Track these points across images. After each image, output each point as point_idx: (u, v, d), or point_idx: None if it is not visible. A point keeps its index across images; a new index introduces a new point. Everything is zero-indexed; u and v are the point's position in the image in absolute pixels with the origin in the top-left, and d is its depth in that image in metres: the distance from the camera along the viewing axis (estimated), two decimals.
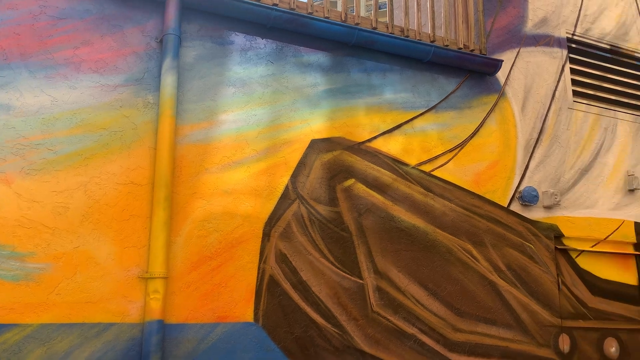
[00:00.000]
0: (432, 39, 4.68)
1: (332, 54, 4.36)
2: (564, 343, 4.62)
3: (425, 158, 4.50)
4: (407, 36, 4.57)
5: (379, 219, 4.20)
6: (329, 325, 3.81)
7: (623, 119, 5.55)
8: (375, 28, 4.45)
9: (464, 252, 4.42)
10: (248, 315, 3.61)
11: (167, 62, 3.66)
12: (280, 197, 3.87)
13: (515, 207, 4.75)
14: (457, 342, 4.19)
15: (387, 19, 4.57)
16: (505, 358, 4.32)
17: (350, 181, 4.17)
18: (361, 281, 4.01)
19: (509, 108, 4.99)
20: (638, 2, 6.01)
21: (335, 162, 4.15)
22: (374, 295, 4.03)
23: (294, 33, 4.21)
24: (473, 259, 4.44)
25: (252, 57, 4.05)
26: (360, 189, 4.19)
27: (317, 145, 4.10)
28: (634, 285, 5.12)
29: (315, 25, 4.17)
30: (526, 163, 4.92)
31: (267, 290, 3.68)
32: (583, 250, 4.97)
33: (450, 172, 4.57)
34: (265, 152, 3.90)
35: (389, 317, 4.02)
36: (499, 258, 4.54)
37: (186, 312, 3.46)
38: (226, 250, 3.63)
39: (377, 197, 4.23)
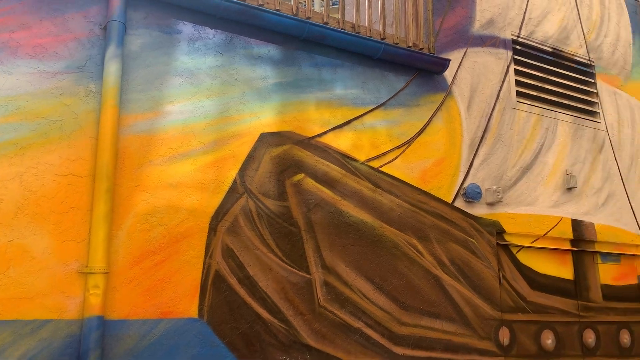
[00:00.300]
0: (382, 37, 4.72)
1: (283, 47, 4.32)
2: (504, 336, 4.78)
3: (374, 154, 4.54)
4: (358, 32, 4.59)
5: (328, 214, 4.21)
6: (275, 321, 3.79)
7: (563, 119, 5.78)
8: (326, 23, 4.45)
9: (409, 247, 4.49)
10: (192, 311, 3.55)
11: (111, 50, 3.54)
12: (228, 191, 3.81)
13: (460, 203, 4.87)
14: (402, 336, 4.26)
15: (338, 15, 4.57)
16: (448, 351, 4.42)
17: (300, 176, 4.16)
18: (309, 276, 4.01)
19: (456, 107, 5.09)
20: (579, 8, 6.26)
21: (285, 156, 4.12)
22: (321, 290, 4.04)
23: (244, 24, 4.15)
24: (418, 254, 4.52)
25: (201, 47, 3.97)
26: (310, 183, 4.19)
27: (266, 139, 4.06)
28: (570, 280, 5.35)
29: (265, 18, 4.13)
30: (471, 161, 5.04)
31: (213, 286, 3.63)
32: (523, 246, 5.15)
33: (398, 169, 4.63)
34: (212, 145, 3.83)
35: (335, 312, 4.04)
36: (443, 253, 4.64)
37: (128, 308, 3.36)
38: (170, 245, 3.55)
39: (326, 192, 4.24)
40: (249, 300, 3.72)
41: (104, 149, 3.37)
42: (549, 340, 5.04)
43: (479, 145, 5.14)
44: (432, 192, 4.75)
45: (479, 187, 4.94)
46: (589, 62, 6.18)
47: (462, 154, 5.02)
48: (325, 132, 4.35)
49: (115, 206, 3.40)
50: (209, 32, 4.03)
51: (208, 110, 3.88)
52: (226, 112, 3.94)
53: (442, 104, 4.99)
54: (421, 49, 4.90)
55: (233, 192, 3.83)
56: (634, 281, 5.77)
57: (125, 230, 3.44)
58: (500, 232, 5.02)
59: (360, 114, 4.55)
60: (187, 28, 3.96)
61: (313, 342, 3.90)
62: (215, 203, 3.75)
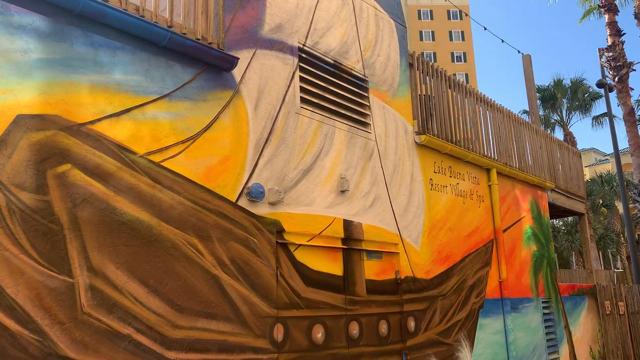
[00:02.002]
0: (169, 24, 4.48)
1: (52, 20, 3.79)
2: (279, 332, 4.91)
3: (155, 147, 4.27)
4: (143, 16, 4.27)
5: (98, 210, 3.81)
6: (26, 332, 3.28)
7: (340, 128, 6.21)
8: (106, 0, 4.04)
9: (189, 246, 4.32)
10: None
11: None
12: None
13: (243, 202, 4.87)
14: (176, 340, 4.07)
15: None
16: (222, 352, 4.36)
17: (66, 167, 3.69)
18: (71, 280, 3.57)
19: (243, 106, 5.09)
20: (358, 26, 6.82)
21: (48, 143, 3.61)
22: (86, 295, 3.63)
23: None
24: (198, 254, 4.38)
25: None
26: (78, 176, 3.74)
27: (24, 122, 3.50)
28: (339, 276, 5.75)
29: None
30: (256, 161, 5.09)
31: None
32: (300, 244, 5.37)
33: (181, 165, 4.43)
34: None
35: (101, 318, 3.67)
36: (224, 252, 4.58)
37: None
38: None
39: (97, 187, 3.83)
40: None
41: None
42: (319, 334, 5.33)
43: (264, 146, 5.21)
44: (217, 191, 4.66)
45: (262, 186, 5.00)
46: (364, 77, 6.76)
47: (248, 153, 5.04)
48: (99, 120, 3.94)
49: None
50: None
51: None
52: None
53: (229, 101, 4.94)
54: (210, 43, 4.78)
55: None
56: (392, 276, 6.47)
57: None
58: (280, 231, 5.16)
59: (141, 103, 4.23)
60: None
61: (73, 352, 3.47)
62: None
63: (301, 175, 5.57)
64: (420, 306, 6.78)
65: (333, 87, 6.27)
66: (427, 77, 8.19)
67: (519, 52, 12.80)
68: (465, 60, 70.06)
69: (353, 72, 6.61)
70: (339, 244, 5.86)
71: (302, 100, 5.80)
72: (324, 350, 5.34)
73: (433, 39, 70.15)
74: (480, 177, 8.99)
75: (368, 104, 6.74)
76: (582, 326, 11.63)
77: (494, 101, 10.02)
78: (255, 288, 4.77)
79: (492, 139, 9.68)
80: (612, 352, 12.75)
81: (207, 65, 4.77)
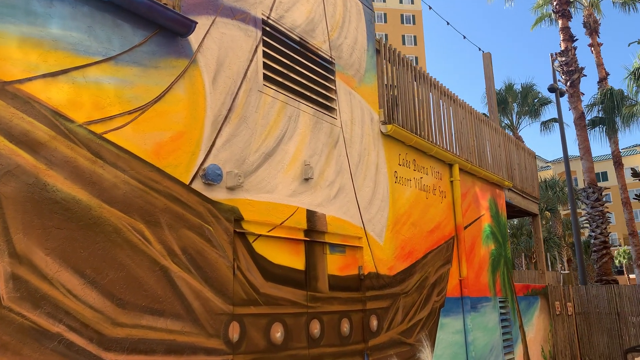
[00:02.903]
0: None
1: None
2: (234, 331, 4.40)
3: (97, 116, 3.68)
4: None
5: (25, 185, 3.20)
6: None
7: (305, 111, 5.75)
8: None
9: (134, 232, 3.76)
10: None
11: None
12: None
13: (198, 185, 4.33)
14: (116, 339, 3.49)
15: None
16: (170, 353, 3.81)
17: None
18: None
19: (200, 78, 4.55)
20: (325, 4, 6.38)
21: None
22: (7, 286, 3.02)
23: None
24: (144, 241, 3.81)
25: None
26: (0, 143, 3.12)
27: None
28: (301, 270, 5.29)
29: None
30: (213, 140, 4.56)
31: None
32: (260, 235, 4.87)
33: (127, 138, 3.85)
34: None
35: (25, 314, 3.07)
36: (175, 240, 4.03)
37: None
38: None
39: (24, 157, 3.22)
40: None
41: None
42: (278, 333, 4.86)
43: (222, 124, 4.69)
44: (168, 170, 4.11)
45: (220, 168, 4.48)
46: (330, 59, 6.33)
47: (205, 131, 4.50)
48: (30, 79, 3.32)
49: None
50: None
51: None
52: None
53: (185, 71, 4.39)
54: (165, 4, 4.22)
55: None
56: (355, 271, 6.07)
57: None
58: (238, 219, 4.65)
59: (82, 64, 3.63)
60: None
61: None
62: None
63: (263, 159, 5.07)
64: (382, 304, 6.41)
65: (298, 66, 5.79)
66: (394, 66, 7.84)
67: (479, 49, 12.73)
68: (417, 64, 71.10)
69: (319, 52, 6.16)
70: (302, 236, 5.39)
71: (265, 77, 5.30)
72: (283, 350, 4.86)
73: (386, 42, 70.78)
74: (442, 172, 8.74)
75: (334, 87, 6.31)
76: (535, 326, 11.64)
77: (456, 96, 9.82)
78: (209, 282, 4.24)
79: (454, 134, 9.46)
80: (561, 352, 12.87)
81: (161, 28, 4.21)
